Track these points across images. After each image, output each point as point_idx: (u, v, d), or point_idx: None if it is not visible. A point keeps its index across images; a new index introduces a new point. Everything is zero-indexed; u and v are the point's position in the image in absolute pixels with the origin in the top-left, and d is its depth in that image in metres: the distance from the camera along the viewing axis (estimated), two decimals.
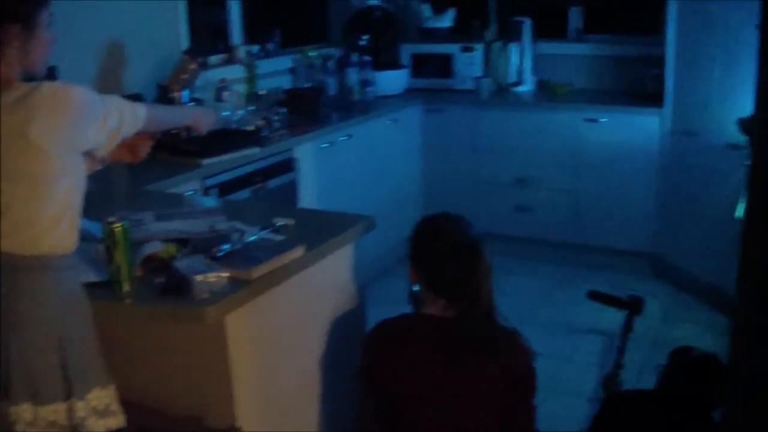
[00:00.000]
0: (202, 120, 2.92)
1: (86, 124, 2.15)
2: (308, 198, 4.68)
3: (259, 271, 2.37)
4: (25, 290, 2.13)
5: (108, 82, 4.27)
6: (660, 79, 5.31)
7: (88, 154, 2.26)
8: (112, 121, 2.24)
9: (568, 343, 4.63)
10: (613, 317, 3.65)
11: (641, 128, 5.40)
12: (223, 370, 2.35)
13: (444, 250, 2.50)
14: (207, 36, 5.28)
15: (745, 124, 3.89)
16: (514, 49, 6.06)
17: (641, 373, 4.06)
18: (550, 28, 6.22)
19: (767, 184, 1.79)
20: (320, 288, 2.73)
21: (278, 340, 2.57)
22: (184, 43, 4.81)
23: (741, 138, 3.99)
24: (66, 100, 2.09)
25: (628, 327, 3.51)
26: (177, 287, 2.28)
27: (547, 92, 6.02)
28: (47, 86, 2.09)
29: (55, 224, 2.14)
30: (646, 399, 3.08)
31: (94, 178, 2.66)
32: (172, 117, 2.94)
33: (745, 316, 1.85)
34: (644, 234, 5.52)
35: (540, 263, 5.79)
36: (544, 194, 5.77)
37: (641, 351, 4.35)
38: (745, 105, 4.12)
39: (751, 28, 1.86)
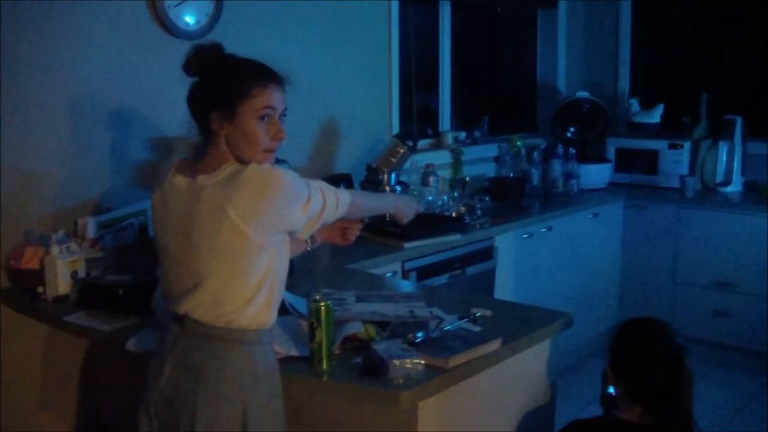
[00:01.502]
0: (404, 209, 2.96)
1: (287, 206, 2.21)
2: (504, 287, 4.69)
3: (455, 361, 2.39)
4: (216, 360, 2.22)
5: (321, 161, 4.46)
6: None
7: (292, 235, 2.33)
8: (315, 206, 2.30)
9: None
10: None
11: None
12: None
13: (649, 356, 2.46)
14: (417, 121, 5.43)
15: None
16: (723, 148, 5.91)
17: None
18: (763, 128, 6.04)
19: None
20: (513, 381, 2.73)
21: (468, 429, 2.58)
22: (395, 126, 4.96)
23: None
24: (269, 182, 2.17)
25: None
26: (374, 369, 2.34)
27: (756, 194, 5.83)
28: (254, 167, 2.19)
29: (251, 301, 2.21)
30: None
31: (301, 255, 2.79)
32: (375, 205, 2.97)
33: None
34: None
35: (737, 371, 5.55)
36: (745, 299, 5.54)
37: None
38: None
39: None
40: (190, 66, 2.27)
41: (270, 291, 2.25)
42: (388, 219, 4.06)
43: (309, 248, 2.86)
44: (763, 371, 5.50)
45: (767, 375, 5.46)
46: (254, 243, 2.16)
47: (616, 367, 2.52)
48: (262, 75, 2.27)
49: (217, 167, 2.22)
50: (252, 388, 2.23)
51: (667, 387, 2.41)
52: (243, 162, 2.23)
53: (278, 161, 2.34)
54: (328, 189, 2.39)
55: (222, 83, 2.24)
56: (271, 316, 2.28)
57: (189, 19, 3.80)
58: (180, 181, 2.28)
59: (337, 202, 2.41)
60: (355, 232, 2.76)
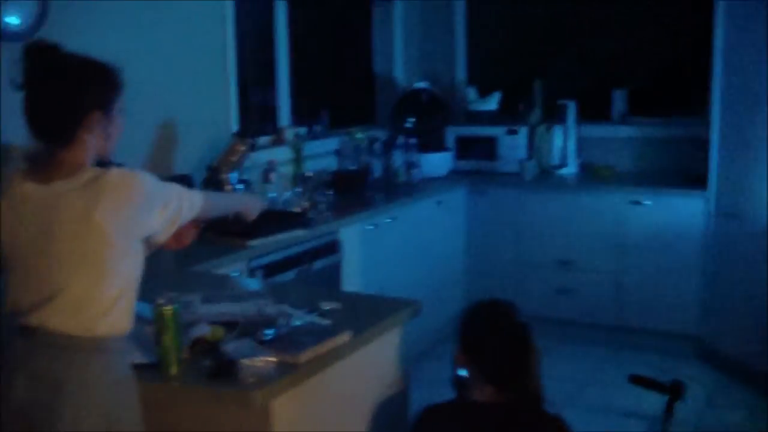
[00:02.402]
0: (252, 207, 3.03)
1: (149, 211, 2.23)
2: (352, 280, 4.70)
3: (306, 356, 2.38)
4: (78, 371, 2.15)
5: (159, 162, 4.35)
6: (704, 160, 5.31)
7: (147, 240, 2.31)
8: (173, 209, 2.32)
9: (610, 426, 4.56)
10: (656, 400, 3.62)
11: (685, 210, 5.40)
12: None
13: (495, 336, 2.51)
14: (256, 118, 5.38)
15: None
16: (558, 132, 6.09)
17: None
18: (595, 111, 6.26)
19: None
20: (366, 372, 2.73)
21: (323, 423, 2.56)
22: (234, 124, 4.90)
23: None
24: (132, 187, 2.18)
25: (669, 412, 3.48)
26: (224, 371, 2.30)
27: (591, 175, 6.04)
28: (115, 172, 2.17)
29: (113, 307, 2.18)
30: None
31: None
32: (224, 204, 3.07)
33: None
34: (688, 316, 5.46)
35: (582, 346, 5.74)
36: (587, 276, 5.75)
37: None
38: None
39: None
40: (34, 69, 2.20)
41: (130, 296, 2.24)
42: (232, 218, 4.02)
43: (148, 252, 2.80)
44: (605, 343, 5.70)
45: (611, 347, 5.66)
46: (119, 248, 2.15)
47: (464, 349, 2.55)
48: (117, 70, 2.28)
49: (73, 172, 2.17)
50: (114, 397, 2.19)
51: (515, 365, 2.46)
52: (101, 164, 2.21)
53: (115, 165, 2.28)
54: (183, 191, 2.41)
55: (98, 82, 2.23)
56: (130, 322, 2.25)
57: (13, 20, 3.64)
58: (30, 188, 2.20)
59: (192, 204, 2.43)
60: (191, 236, 2.70)
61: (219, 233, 3.96)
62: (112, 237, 2.13)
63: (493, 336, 2.51)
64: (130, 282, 2.23)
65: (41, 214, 2.17)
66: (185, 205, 2.39)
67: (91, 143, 2.22)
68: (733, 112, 5.09)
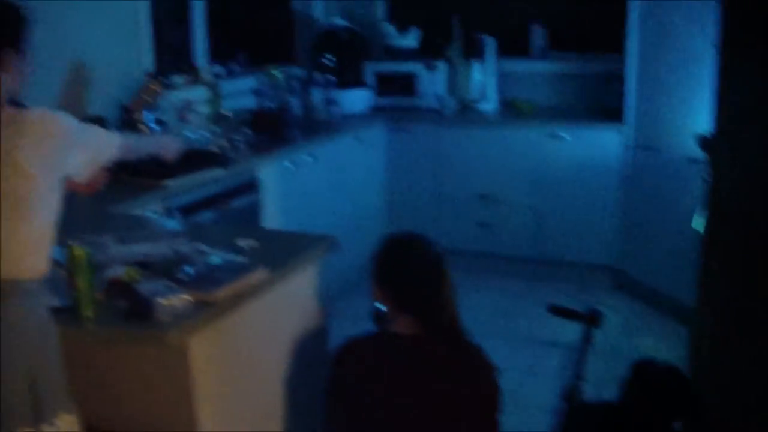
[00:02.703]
0: (171, 147, 3.06)
1: (69, 150, 2.23)
2: (272, 218, 4.68)
3: (222, 294, 2.37)
4: (2, 315, 2.12)
5: (71, 104, 4.26)
6: (621, 95, 5.38)
7: (65, 181, 2.28)
8: (92, 149, 2.34)
9: (531, 356, 4.67)
10: (576, 330, 3.69)
11: (603, 144, 5.46)
12: (187, 392, 2.35)
13: (409, 267, 2.52)
14: (171, 57, 5.28)
15: (702, 142, 3.95)
16: (477, 68, 6.10)
17: (604, 385, 4.09)
18: (514, 47, 6.27)
19: (724, 200, 1.83)
20: (284, 308, 2.74)
21: (242, 360, 2.57)
22: (148, 64, 4.80)
23: (700, 152, 4.05)
24: (52, 127, 2.17)
25: (586, 340, 3.55)
26: (140, 311, 2.28)
27: (511, 110, 6.07)
28: (35, 112, 2.16)
29: (35, 247, 2.17)
30: (607, 411, 3.11)
31: None
32: (143, 145, 3.08)
33: (703, 327, 1.89)
34: (606, 248, 5.58)
35: (503, 278, 5.83)
36: (507, 210, 5.81)
37: (604, 363, 4.38)
38: (704, 120, 4.19)
39: (708, 45, 1.91)
40: None
41: (49, 238, 2.22)
42: (151, 159, 3.96)
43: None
44: (526, 276, 5.79)
45: (531, 279, 5.75)
46: (40, 188, 2.14)
47: (379, 282, 2.57)
48: (25, 5, 2.24)
49: None
50: (37, 341, 2.16)
51: (429, 294, 2.48)
52: (14, 104, 2.18)
53: (22, 106, 2.23)
54: (102, 132, 2.45)
55: (8, 19, 2.19)
56: (48, 264, 2.23)
57: None
58: None
59: (111, 145, 2.46)
60: (101, 180, 2.66)
61: (133, 174, 3.91)
62: (35, 177, 2.11)
63: (406, 267, 2.53)
64: (49, 223, 2.21)
65: None
66: (104, 146, 2.41)
67: (4, 82, 2.17)
68: (648, 47, 5.14)
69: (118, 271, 2.49)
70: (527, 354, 4.69)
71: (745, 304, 1.79)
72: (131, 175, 3.89)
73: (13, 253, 2.13)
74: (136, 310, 2.30)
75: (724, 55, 1.83)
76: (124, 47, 4.68)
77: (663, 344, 4.68)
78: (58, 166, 2.20)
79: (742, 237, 1.78)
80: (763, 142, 1.73)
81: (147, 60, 4.81)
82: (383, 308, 2.58)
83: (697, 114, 4.57)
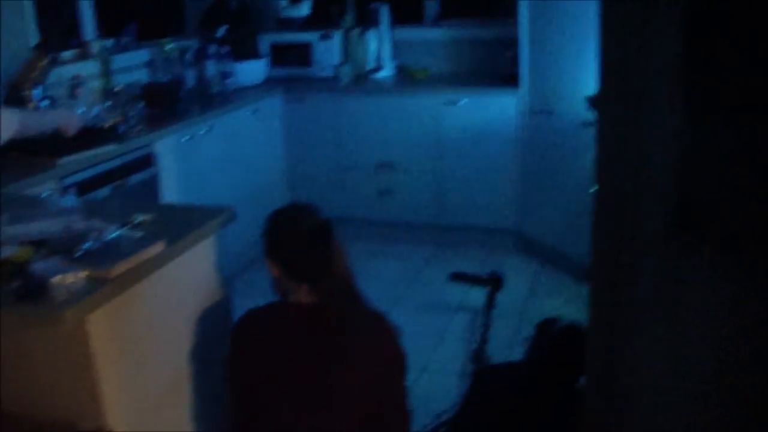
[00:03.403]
0: (69, 122, 2.99)
1: None
2: (171, 193, 4.62)
3: (118, 270, 2.33)
4: None
5: None
6: (515, 60, 5.43)
7: None
8: None
9: (438, 321, 4.71)
10: (481, 294, 3.74)
11: (500, 109, 5.51)
12: (89, 371, 2.31)
13: (295, 237, 2.52)
14: (58, 31, 5.15)
15: (592, 101, 4.02)
16: (372, 36, 6.10)
17: (511, 346, 4.17)
18: (408, 14, 6.29)
19: (611, 156, 1.86)
20: (183, 282, 2.71)
21: (144, 337, 2.54)
22: (33, 39, 4.67)
23: (593, 117, 4.12)
24: None
25: (490, 303, 3.61)
26: (33, 291, 2.23)
27: (407, 77, 6.09)
28: None
29: None
30: (513, 370, 3.16)
31: None
32: (40, 122, 3.07)
33: (597, 283, 1.93)
34: (507, 211, 5.65)
35: (406, 246, 5.86)
36: (407, 177, 5.83)
37: (510, 325, 4.47)
38: (594, 83, 4.25)
39: (595, 9, 1.94)
40: None
41: None
42: (49, 136, 3.87)
43: None
44: (429, 242, 5.84)
45: (435, 246, 5.80)
46: None
47: (270, 256, 2.56)
48: None
49: None
50: None
51: (320, 261, 2.48)
52: None
53: None
54: None
55: None
56: None
57: None
58: None
59: (8, 123, 2.46)
60: None
61: (26, 152, 3.81)
62: None
63: (292, 235, 2.53)
64: None
65: None
66: (2, 124, 2.32)
67: None
68: (539, 12, 5.18)
69: (11, 252, 2.43)
70: (435, 320, 4.74)
71: (625, 254, 1.83)
72: (23, 154, 3.80)
73: None
74: (29, 291, 2.24)
75: (602, 11, 1.86)
76: (7, 22, 4.53)
77: (568, 304, 4.77)
78: None
79: (625, 190, 1.82)
80: (637, 98, 1.77)
81: (32, 35, 4.67)
82: (279, 278, 2.58)
83: (588, 77, 4.64)
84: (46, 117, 3.16)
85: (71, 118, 3.02)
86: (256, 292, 2.75)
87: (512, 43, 5.48)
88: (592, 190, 3.57)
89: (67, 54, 5.02)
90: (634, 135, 1.78)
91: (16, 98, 4.20)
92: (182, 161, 4.78)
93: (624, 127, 1.79)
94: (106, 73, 5.16)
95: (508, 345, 4.18)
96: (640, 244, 1.78)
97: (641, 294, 1.79)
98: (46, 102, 4.29)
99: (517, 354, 3.95)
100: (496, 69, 5.82)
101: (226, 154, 5.26)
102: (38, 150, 3.84)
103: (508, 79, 5.52)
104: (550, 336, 3.09)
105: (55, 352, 2.35)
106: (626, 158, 1.81)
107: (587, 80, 4.67)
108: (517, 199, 5.60)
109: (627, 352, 1.84)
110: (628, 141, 1.81)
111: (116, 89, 4.96)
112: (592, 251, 1.96)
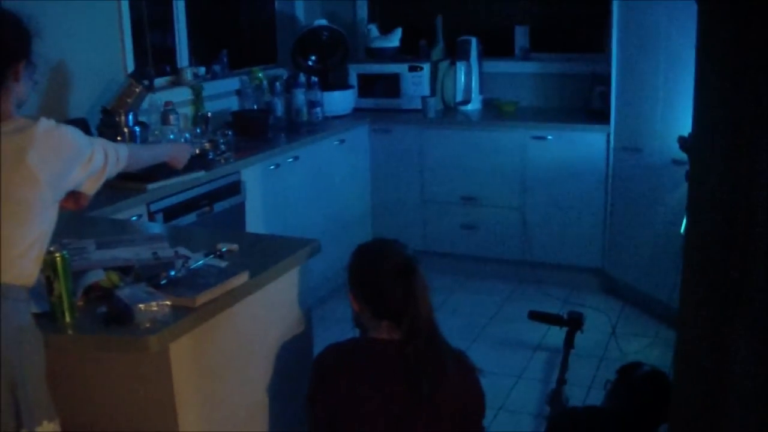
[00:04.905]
0: (179, 156, 3.09)
1: (73, 164, 2.25)
2: (256, 221, 4.66)
3: (202, 299, 2.35)
4: None
5: (52, 106, 4.23)
6: (605, 96, 5.37)
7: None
8: (97, 163, 2.36)
9: (517, 360, 4.65)
10: (561, 333, 3.68)
11: (588, 145, 5.44)
12: (168, 398, 2.33)
13: (379, 274, 2.50)
14: (153, 58, 5.26)
15: (683, 142, 3.95)
16: (461, 68, 6.09)
17: (590, 388, 4.09)
18: (497, 47, 6.28)
19: (703, 199, 1.82)
20: (266, 313, 2.72)
21: (224, 366, 2.55)
22: (130, 65, 4.77)
23: (683, 154, 4.04)
24: (60, 139, 2.20)
25: (569, 343, 3.54)
26: (119, 316, 2.26)
27: (494, 110, 6.06)
28: (44, 123, 2.18)
29: (27, 253, 2.16)
30: (592, 415, 3.10)
31: None
32: (149, 155, 3.05)
33: (686, 330, 1.88)
34: (592, 250, 5.56)
35: (488, 281, 5.81)
36: (491, 212, 5.79)
37: (590, 367, 4.40)
38: (687, 122, 4.18)
39: (690, 48, 1.90)
40: None
41: (41, 247, 2.21)
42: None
43: None
44: (511, 278, 5.78)
45: (517, 282, 5.74)
46: (45, 196, 2.15)
47: (354, 291, 2.56)
48: (31, 17, 2.29)
49: (3, 120, 2.17)
50: (19, 345, 2.13)
51: (403, 299, 2.45)
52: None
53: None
54: (108, 144, 2.45)
55: (20, 30, 2.25)
56: (37, 273, 2.22)
57: None
58: None
59: (117, 157, 2.48)
60: (88, 197, 2.64)
61: (116, 178, 3.86)
62: (42, 183, 2.13)
63: (377, 272, 2.51)
64: (45, 232, 2.21)
65: None
66: (111, 159, 2.43)
67: (15, 92, 2.22)
68: (630, 48, 5.12)
69: (98, 277, 2.47)
70: (514, 358, 4.67)
71: (720, 305, 1.78)
72: (113, 179, 3.85)
73: (6, 256, 2.12)
74: (116, 316, 2.28)
75: (699, 58, 1.82)
76: (106, 49, 4.65)
77: (651, 347, 4.67)
78: (63, 179, 2.22)
79: (719, 239, 1.77)
80: (734, 146, 1.72)
81: (129, 62, 4.78)
82: (361, 314, 2.57)
83: (680, 115, 4.57)
84: (155, 151, 3.20)
85: (182, 152, 3.08)
86: (336, 323, 2.75)
87: (602, 79, 5.42)
88: (682, 232, 3.50)
89: (160, 81, 5.12)
90: (725, 182, 1.74)
91: (110, 123, 4.29)
92: (268, 189, 4.82)
93: (713, 174, 1.75)
94: (198, 100, 5.25)
95: (586, 387, 4.11)
96: (733, 295, 1.73)
97: (736, 348, 1.73)
98: (137, 127, 4.37)
99: (594, 397, 3.88)
100: (585, 104, 5.77)
101: (312, 184, 5.29)
102: (128, 175, 3.89)
103: (598, 114, 5.46)
104: (631, 382, 3.02)
105: (135, 377, 2.38)
106: (716, 204, 1.76)
107: (678, 119, 4.60)
108: (603, 238, 5.52)
109: (716, 411, 1.78)
110: (719, 187, 1.76)
111: (207, 116, 5.03)
112: (680, 299, 1.91)
